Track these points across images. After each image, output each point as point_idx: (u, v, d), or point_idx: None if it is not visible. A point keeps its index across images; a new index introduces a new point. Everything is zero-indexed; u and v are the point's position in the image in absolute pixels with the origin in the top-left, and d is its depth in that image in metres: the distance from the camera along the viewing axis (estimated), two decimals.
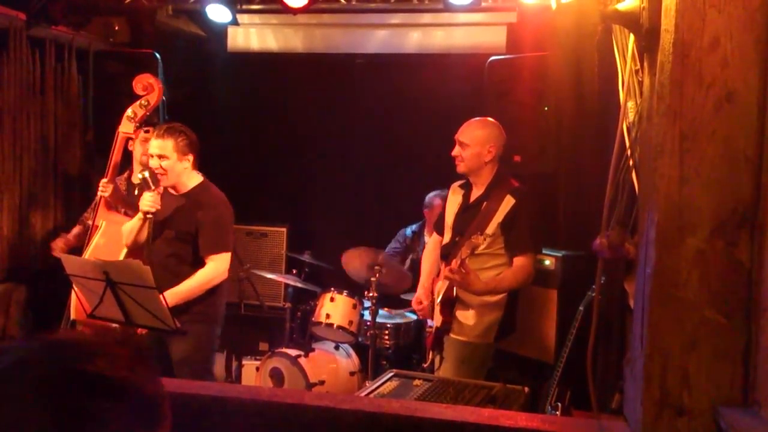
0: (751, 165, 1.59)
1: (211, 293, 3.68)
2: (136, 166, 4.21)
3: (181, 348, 3.60)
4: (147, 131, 4.12)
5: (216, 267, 3.61)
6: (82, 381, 0.90)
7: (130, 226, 3.66)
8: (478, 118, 3.73)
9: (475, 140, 3.62)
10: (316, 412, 1.96)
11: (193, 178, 3.70)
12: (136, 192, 4.08)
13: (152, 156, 3.59)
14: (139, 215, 3.57)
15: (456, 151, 3.66)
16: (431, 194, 5.31)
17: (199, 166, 3.73)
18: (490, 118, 3.74)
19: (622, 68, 2.09)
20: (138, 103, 4.05)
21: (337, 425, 1.94)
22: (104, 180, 4.05)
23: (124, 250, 3.87)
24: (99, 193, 4.06)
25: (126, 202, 4.10)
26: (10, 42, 4.85)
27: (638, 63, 1.98)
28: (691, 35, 1.60)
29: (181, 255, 3.64)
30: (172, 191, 3.69)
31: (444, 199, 5.06)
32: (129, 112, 4.04)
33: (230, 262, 3.71)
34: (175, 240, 3.64)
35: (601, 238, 1.97)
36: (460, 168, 3.70)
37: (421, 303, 3.87)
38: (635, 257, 1.95)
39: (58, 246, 4.41)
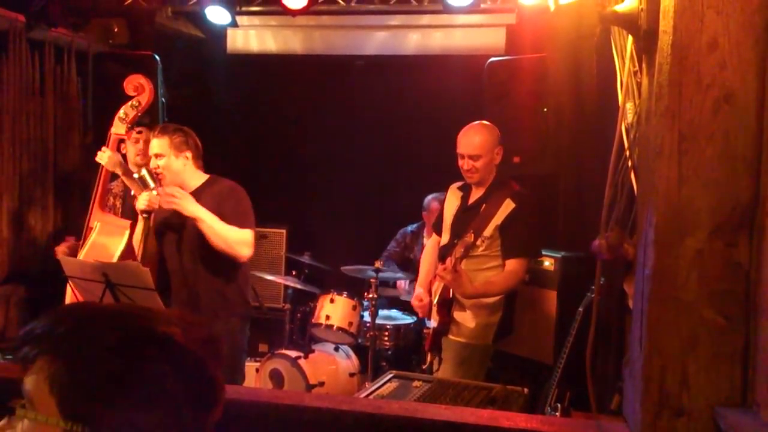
0: (750, 166, 1.59)
1: (243, 285, 3.66)
2: (131, 168, 4.20)
3: None
4: (140, 132, 4.11)
5: (245, 235, 3.46)
6: (154, 340, 0.97)
7: (137, 237, 3.57)
8: (475, 126, 3.66)
9: (486, 148, 3.58)
10: (316, 413, 1.96)
11: (197, 177, 3.62)
12: (132, 193, 4.08)
13: (152, 156, 3.56)
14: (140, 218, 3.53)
15: (467, 165, 3.59)
16: (429, 197, 5.33)
17: (204, 168, 3.70)
18: (484, 122, 3.71)
19: (620, 69, 2.09)
20: (129, 103, 4.04)
21: (337, 426, 1.94)
22: (104, 147, 3.99)
23: (118, 252, 3.86)
24: (97, 160, 3.98)
25: (128, 172, 4.05)
26: (10, 44, 4.87)
27: (637, 64, 1.98)
28: (690, 37, 1.60)
29: (196, 254, 3.53)
30: None
31: (441, 202, 5.10)
32: (120, 113, 4.04)
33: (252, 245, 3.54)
34: (187, 239, 3.55)
35: (600, 239, 1.97)
36: (475, 179, 3.65)
37: (421, 300, 3.83)
38: (634, 258, 1.95)
39: (61, 250, 4.37)
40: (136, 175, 3.51)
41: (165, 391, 0.95)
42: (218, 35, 6.00)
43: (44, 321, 0.97)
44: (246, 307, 3.74)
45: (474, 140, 3.59)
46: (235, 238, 3.42)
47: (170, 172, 3.53)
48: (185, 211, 3.35)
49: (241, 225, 3.48)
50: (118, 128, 4.03)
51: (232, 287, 3.62)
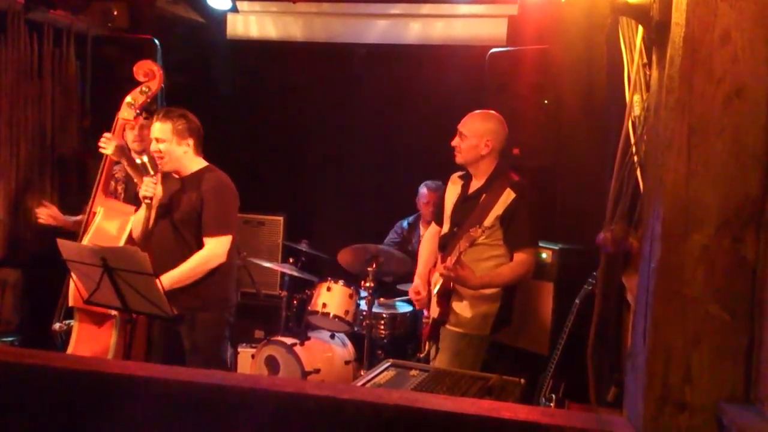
0: (760, 161, 1.58)
1: (221, 280, 3.64)
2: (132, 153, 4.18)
3: (193, 336, 3.58)
4: (147, 118, 4.08)
5: (213, 249, 3.52)
6: None
7: (137, 218, 3.60)
8: (481, 111, 3.72)
9: (474, 132, 3.62)
10: (317, 402, 1.95)
11: (195, 162, 3.64)
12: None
13: (153, 140, 3.56)
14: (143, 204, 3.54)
15: (455, 141, 3.66)
16: (421, 185, 5.36)
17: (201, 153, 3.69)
18: (493, 112, 3.73)
19: (628, 62, 2.08)
20: (139, 89, 4.01)
21: (338, 415, 1.93)
22: (107, 134, 3.96)
23: (123, 237, 3.84)
24: (100, 150, 3.96)
25: (131, 161, 4.02)
26: (8, 25, 4.82)
27: (645, 57, 1.97)
28: (702, 29, 1.59)
29: (185, 239, 3.57)
30: (175, 176, 3.65)
31: (431, 189, 5.13)
32: (129, 98, 4.00)
33: (231, 247, 3.61)
34: (179, 223, 3.58)
35: (605, 232, 1.96)
36: (458, 159, 3.70)
37: (419, 293, 3.86)
38: (638, 252, 1.94)
39: (44, 213, 4.28)
40: (138, 161, 3.49)
41: None
42: (218, 20, 5.98)
43: None
44: (224, 296, 3.71)
45: (469, 120, 3.66)
46: (200, 268, 3.52)
47: (170, 156, 3.54)
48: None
49: (218, 230, 3.51)
50: (126, 113, 3.99)
51: (213, 276, 3.60)
